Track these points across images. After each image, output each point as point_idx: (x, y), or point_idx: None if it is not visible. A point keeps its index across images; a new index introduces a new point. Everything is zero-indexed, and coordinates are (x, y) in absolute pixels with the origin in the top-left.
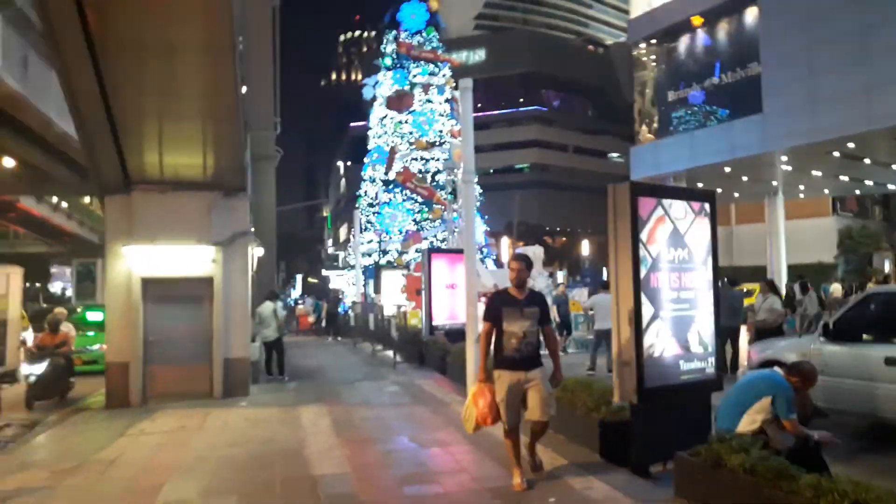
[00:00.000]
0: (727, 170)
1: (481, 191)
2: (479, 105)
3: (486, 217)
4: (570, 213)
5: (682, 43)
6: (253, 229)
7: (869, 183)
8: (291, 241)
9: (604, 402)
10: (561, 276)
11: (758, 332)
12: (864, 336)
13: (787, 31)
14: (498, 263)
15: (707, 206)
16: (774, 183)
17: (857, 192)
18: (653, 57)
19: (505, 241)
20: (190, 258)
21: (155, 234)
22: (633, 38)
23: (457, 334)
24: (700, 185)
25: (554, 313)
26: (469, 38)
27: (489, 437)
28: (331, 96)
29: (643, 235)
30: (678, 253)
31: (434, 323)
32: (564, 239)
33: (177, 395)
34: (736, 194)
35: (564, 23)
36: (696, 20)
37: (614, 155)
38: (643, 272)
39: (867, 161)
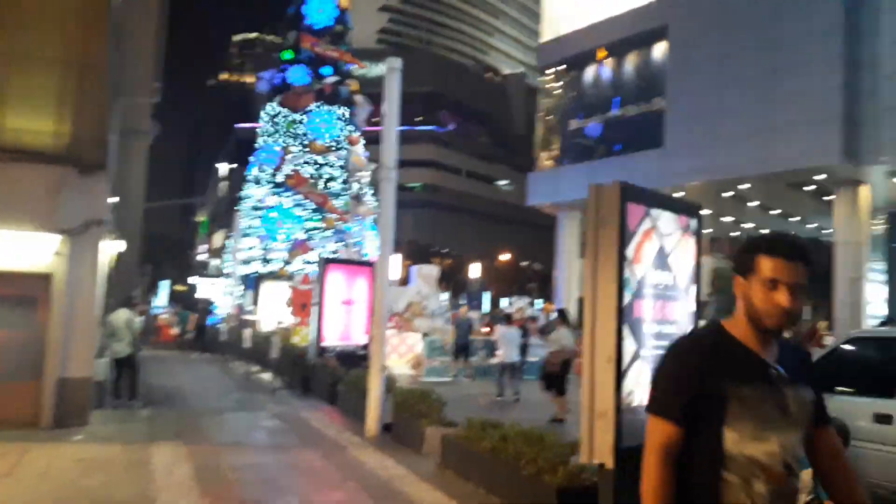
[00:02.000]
0: None
1: (376, 204)
2: (375, 119)
3: None
4: (459, 235)
5: (588, 73)
6: (111, 219)
7: (748, 225)
8: (161, 243)
9: (559, 460)
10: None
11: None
12: (844, 388)
13: (694, 68)
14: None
15: (693, 222)
16: None
17: (733, 234)
18: (558, 84)
19: (397, 259)
20: (23, 248)
21: None
22: (540, 64)
23: (350, 358)
24: None
25: (450, 336)
26: (371, 51)
27: (404, 498)
28: (218, 98)
29: (629, 252)
30: (663, 277)
31: (324, 343)
32: (450, 261)
33: None
34: None
35: (465, 48)
36: (601, 53)
37: (503, 182)
38: (626, 298)
39: (753, 204)
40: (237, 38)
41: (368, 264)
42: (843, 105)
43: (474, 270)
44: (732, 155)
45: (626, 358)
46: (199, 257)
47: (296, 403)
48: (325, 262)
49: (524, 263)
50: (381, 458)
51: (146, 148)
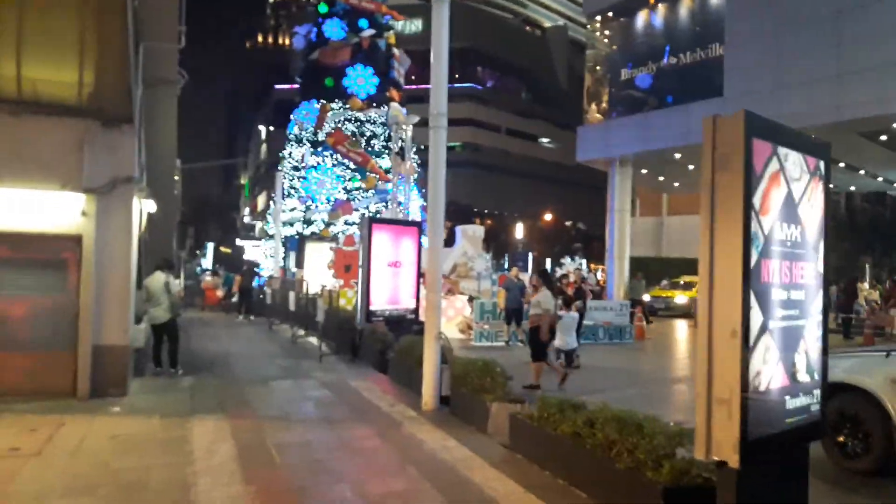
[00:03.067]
0: (677, 156)
1: (419, 163)
2: (413, 77)
3: (423, 190)
4: (500, 195)
5: (639, 19)
6: (143, 176)
7: None
8: (205, 205)
9: (664, 452)
10: (572, 265)
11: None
12: None
13: (755, 10)
14: None
15: (822, 164)
16: None
17: None
18: (606, 32)
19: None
20: (50, 208)
21: None
22: (587, 10)
23: (399, 323)
24: (645, 171)
25: (500, 299)
26: (406, 7)
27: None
28: (256, 59)
29: (755, 200)
30: (791, 232)
31: (372, 308)
32: (490, 222)
33: (25, 392)
34: (676, 184)
35: (503, 1)
36: (649, 3)
37: (545, 140)
38: (753, 257)
39: None
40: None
41: (415, 224)
42: None
43: (518, 231)
44: (800, 103)
45: (753, 331)
46: (245, 220)
47: (344, 371)
48: (370, 222)
49: (568, 223)
50: (441, 436)
51: (175, 99)
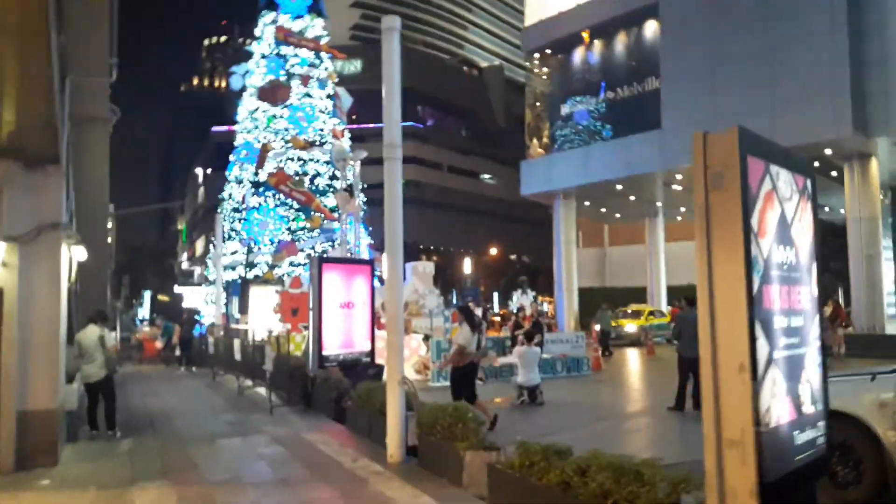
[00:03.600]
0: (619, 187)
1: (366, 200)
2: (354, 117)
3: (370, 229)
4: (444, 231)
5: (576, 56)
6: (72, 221)
7: None
8: (140, 252)
9: (670, 501)
10: (524, 298)
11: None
12: None
13: (689, 45)
14: (381, 280)
15: (809, 183)
16: (658, 204)
17: None
18: (545, 69)
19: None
20: None
21: None
22: (526, 48)
23: (354, 367)
24: (587, 203)
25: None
26: (345, 48)
27: None
28: (191, 102)
29: (752, 221)
30: (787, 254)
31: (325, 352)
32: (436, 258)
33: None
34: (618, 215)
35: (441, 42)
36: (586, 35)
37: (486, 176)
38: (755, 283)
39: None
40: (208, 42)
41: (367, 262)
42: (851, 75)
43: (466, 266)
44: None
45: (760, 363)
46: (183, 266)
47: (297, 423)
48: (320, 262)
49: (513, 257)
50: (411, 493)
51: (107, 138)
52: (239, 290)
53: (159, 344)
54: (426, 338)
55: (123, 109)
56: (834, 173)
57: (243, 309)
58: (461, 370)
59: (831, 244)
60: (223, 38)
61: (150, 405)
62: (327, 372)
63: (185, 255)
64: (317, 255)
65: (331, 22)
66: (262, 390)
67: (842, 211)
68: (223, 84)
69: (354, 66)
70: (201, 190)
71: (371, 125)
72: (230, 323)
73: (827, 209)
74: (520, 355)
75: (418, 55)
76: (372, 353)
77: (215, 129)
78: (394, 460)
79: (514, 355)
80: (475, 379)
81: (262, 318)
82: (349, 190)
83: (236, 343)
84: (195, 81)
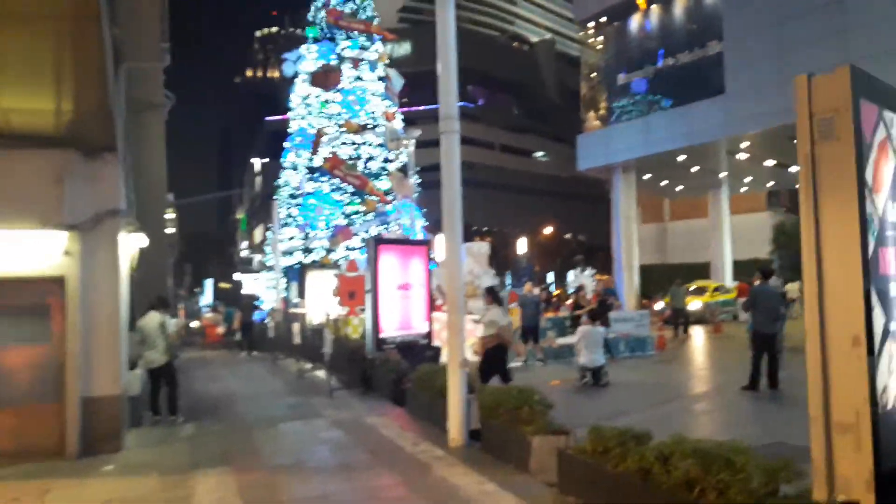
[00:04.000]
0: (680, 158)
1: (420, 181)
2: (405, 100)
3: (425, 209)
4: (497, 212)
5: (632, 23)
6: (131, 208)
7: None
8: (202, 241)
9: (766, 490)
10: (583, 276)
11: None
12: None
13: (753, 4)
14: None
15: None
16: (722, 175)
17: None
18: (600, 38)
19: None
20: (27, 249)
21: None
22: (578, 17)
23: (412, 349)
24: (648, 176)
25: (515, 316)
26: (394, 30)
27: None
28: (246, 93)
29: (867, 174)
30: None
31: (382, 335)
32: (489, 239)
33: (7, 454)
34: (679, 188)
35: (489, 19)
36: (641, 2)
37: (539, 154)
38: (870, 246)
39: None
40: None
41: (423, 243)
42: None
43: (521, 246)
44: None
45: (876, 337)
46: (242, 254)
47: (358, 406)
48: (376, 243)
49: (568, 236)
50: (477, 479)
51: (162, 124)
52: (297, 275)
53: (221, 329)
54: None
55: (180, 99)
56: None
57: (302, 294)
58: (491, 352)
59: None
60: (274, 29)
61: (211, 390)
62: (385, 354)
63: (244, 244)
64: (372, 237)
65: (379, 4)
66: (321, 373)
67: None
68: (276, 74)
69: (404, 48)
70: (258, 179)
71: (422, 107)
72: (289, 308)
73: None
74: (583, 335)
75: (466, 33)
76: (429, 335)
77: (269, 118)
78: (456, 444)
79: (578, 335)
80: (506, 359)
81: (321, 303)
82: (403, 170)
83: (295, 327)
84: (248, 73)
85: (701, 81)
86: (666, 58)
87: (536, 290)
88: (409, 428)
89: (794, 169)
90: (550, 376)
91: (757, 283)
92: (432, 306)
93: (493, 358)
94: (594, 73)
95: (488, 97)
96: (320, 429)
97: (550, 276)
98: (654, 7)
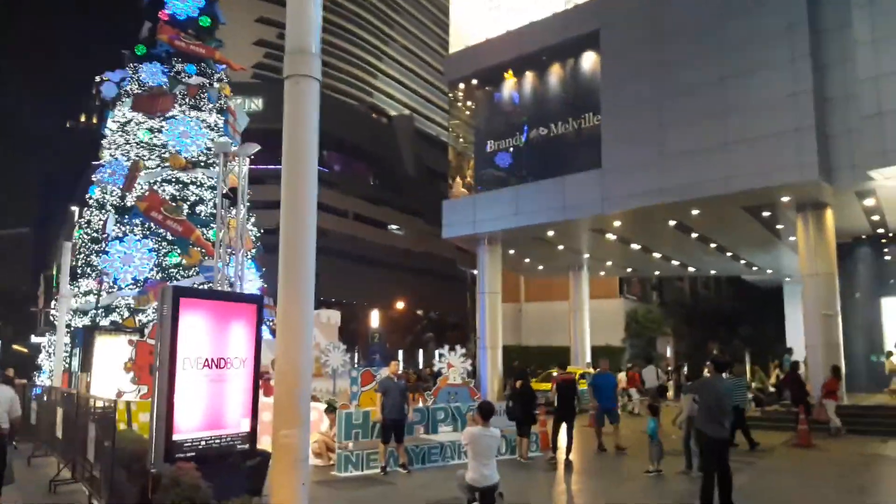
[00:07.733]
0: (550, 233)
1: (259, 232)
2: (253, 157)
3: (264, 270)
4: (349, 282)
5: (504, 89)
6: None
7: (675, 263)
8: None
9: None
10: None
11: None
12: None
13: (633, 76)
14: (273, 332)
15: None
16: (585, 256)
17: (657, 272)
18: (469, 103)
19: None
20: None
21: None
22: (449, 78)
23: (225, 462)
24: (512, 251)
25: (376, 405)
26: (247, 85)
27: None
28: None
29: None
30: None
31: (177, 436)
32: (339, 310)
33: None
34: (540, 267)
35: (348, 87)
36: (509, 75)
37: (394, 227)
38: None
39: (694, 235)
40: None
41: (252, 299)
42: (815, 113)
43: (374, 319)
44: (686, 174)
45: None
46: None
47: None
48: (175, 294)
49: (419, 312)
50: None
51: None
52: (82, 338)
53: None
54: (330, 408)
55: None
56: (779, 226)
57: (85, 364)
58: None
59: (744, 305)
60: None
61: None
62: (177, 469)
63: (53, 302)
64: (170, 285)
65: (234, 54)
66: (84, 488)
67: (769, 271)
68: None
69: (255, 103)
70: (76, 228)
71: (271, 166)
72: (72, 384)
73: (770, 271)
74: (472, 439)
75: (326, 97)
76: (252, 436)
77: (96, 162)
78: None
79: (464, 438)
80: None
81: (110, 378)
82: (233, 194)
83: (59, 413)
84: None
85: (575, 154)
86: (539, 128)
87: (400, 371)
88: None
89: (657, 255)
90: (424, 489)
91: (687, 380)
92: (257, 394)
93: None
94: (461, 138)
95: (344, 164)
96: None
97: (400, 354)
98: (528, 74)
